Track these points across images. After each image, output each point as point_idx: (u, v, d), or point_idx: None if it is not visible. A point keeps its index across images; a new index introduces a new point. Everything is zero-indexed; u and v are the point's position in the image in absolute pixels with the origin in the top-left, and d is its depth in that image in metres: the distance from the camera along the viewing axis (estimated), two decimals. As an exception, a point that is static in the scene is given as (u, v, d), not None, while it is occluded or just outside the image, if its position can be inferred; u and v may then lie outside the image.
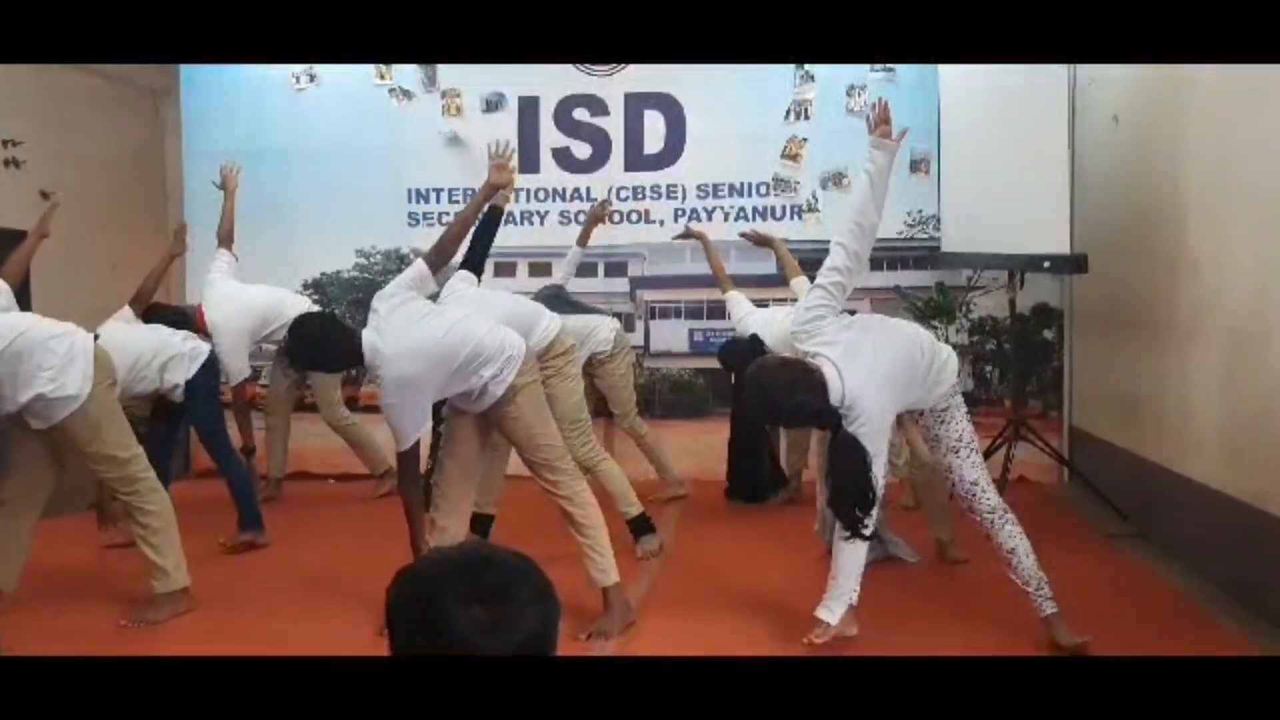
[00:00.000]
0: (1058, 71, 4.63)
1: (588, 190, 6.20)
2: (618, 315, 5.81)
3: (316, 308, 5.67)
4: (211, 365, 4.64)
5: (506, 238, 6.27)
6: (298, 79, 6.38)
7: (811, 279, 3.37)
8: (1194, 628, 3.47)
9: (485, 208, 3.97)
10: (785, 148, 6.11)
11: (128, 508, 3.73)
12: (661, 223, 6.17)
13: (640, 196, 6.22)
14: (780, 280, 6.14)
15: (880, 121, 3.12)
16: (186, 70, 6.46)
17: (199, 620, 3.70)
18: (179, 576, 3.73)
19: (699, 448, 6.11)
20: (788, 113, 6.10)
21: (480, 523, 4.35)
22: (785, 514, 5.26)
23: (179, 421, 4.80)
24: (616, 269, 6.27)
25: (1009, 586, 3.33)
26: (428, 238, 6.34)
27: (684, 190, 6.19)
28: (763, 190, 6.14)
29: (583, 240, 5.41)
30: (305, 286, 6.21)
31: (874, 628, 3.34)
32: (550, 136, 6.26)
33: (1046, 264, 4.88)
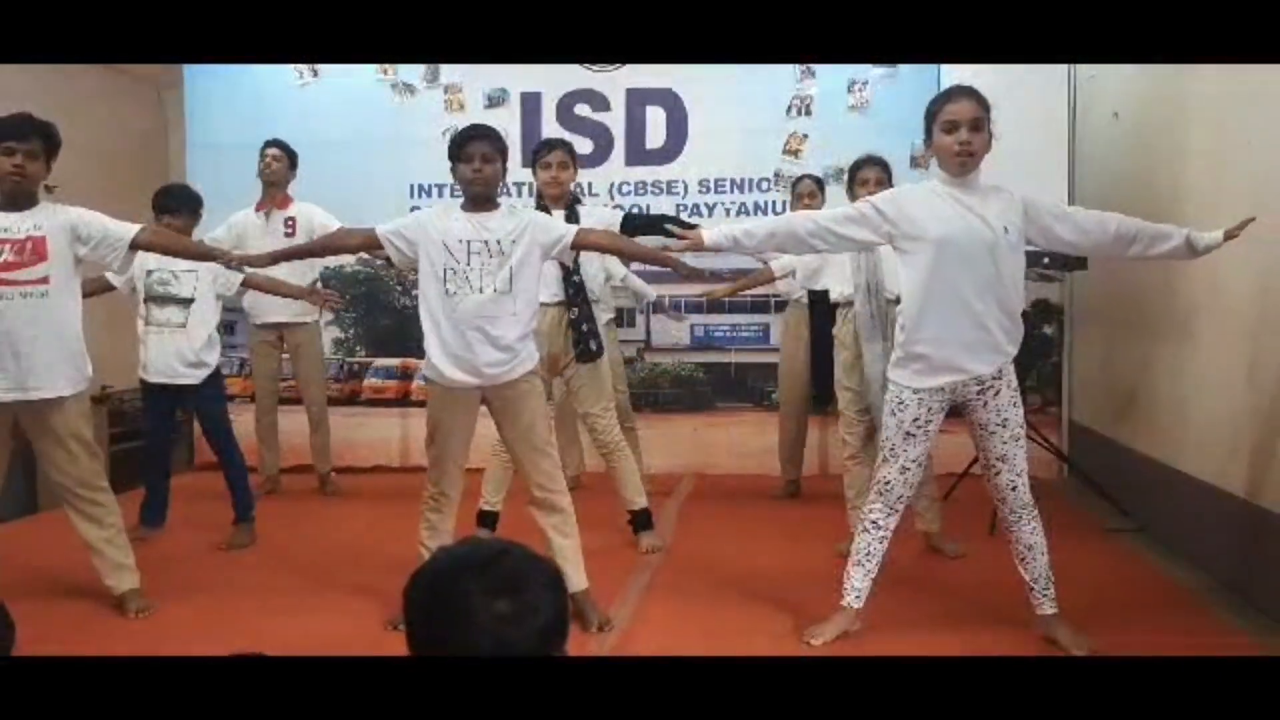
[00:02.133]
0: (1058, 68, 4.64)
1: (589, 185, 6.20)
2: (619, 310, 5.83)
3: None
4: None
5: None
6: (300, 73, 6.38)
7: None
8: (1193, 622, 3.50)
9: None
10: (787, 143, 6.11)
11: (91, 510, 3.61)
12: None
13: (642, 192, 6.23)
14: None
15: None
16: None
17: (201, 613, 3.71)
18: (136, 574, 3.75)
19: (700, 442, 6.15)
20: (789, 108, 6.11)
21: (486, 519, 4.36)
22: (787, 509, 5.29)
23: (174, 413, 4.81)
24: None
25: (1006, 585, 3.35)
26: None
27: (685, 185, 6.20)
28: (764, 185, 6.15)
29: None
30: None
31: (873, 627, 3.36)
32: (552, 132, 6.25)
33: (1046, 260, 4.89)
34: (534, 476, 3.46)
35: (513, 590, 1.24)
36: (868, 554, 3.29)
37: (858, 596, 3.30)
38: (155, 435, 4.70)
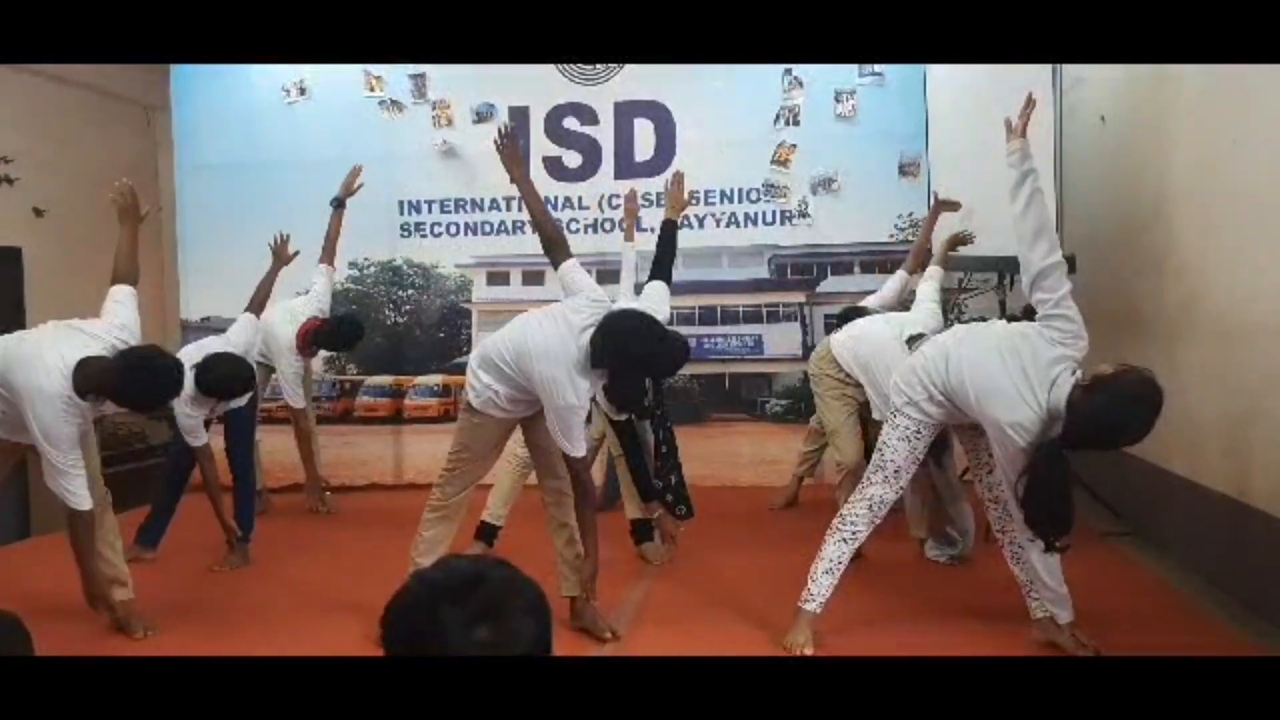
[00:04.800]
0: (1044, 72, 4.66)
1: (579, 199, 6.23)
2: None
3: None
4: None
5: (500, 247, 6.33)
6: (288, 92, 6.40)
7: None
8: (1187, 624, 3.50)
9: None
10: (775, 153, 6.14)
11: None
12: (653, 230, 6.14)
13: (632, 204, 6.23)
14: (773, 285, 6.21)
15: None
16: (178, 84, 6.47)
17: (198, 633, 3.69)
18: None
19: (695, 453, 6.12)
20: (777, 118, 6.14)
21: (486, 531, 4.36)
22: (784, 517, 5.29)
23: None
24: (610, 276, 6.27)
25: (1003, 590, 3.35)
26: (420, 249, 6.41)
27: (676, 197, 6.21)
28: (753, 196, 6.17)
29: (630, 235, 5.30)
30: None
31: (870, 628, 3.36)
32: (541, 146, 6.28)
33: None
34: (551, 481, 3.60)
35: (491, 617, 1.20)
36: (839, 562, 3.35)
37: (822, 603, 3.34)
38: (182, 456, 4.63)
